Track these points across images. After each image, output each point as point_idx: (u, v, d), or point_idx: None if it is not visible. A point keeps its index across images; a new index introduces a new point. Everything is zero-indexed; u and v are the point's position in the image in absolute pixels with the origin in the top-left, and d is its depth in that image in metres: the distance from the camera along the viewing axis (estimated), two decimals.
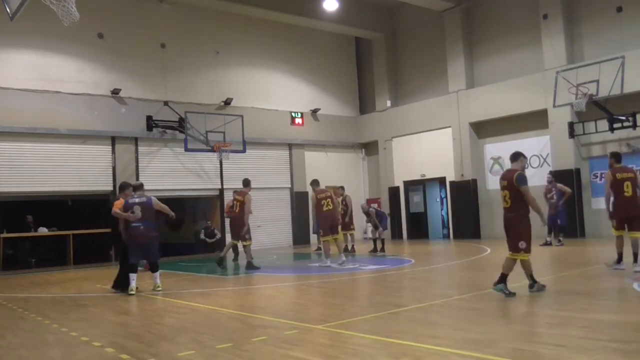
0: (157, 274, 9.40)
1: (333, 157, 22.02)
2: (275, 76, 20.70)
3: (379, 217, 14.98)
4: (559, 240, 14.18)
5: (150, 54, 17.78)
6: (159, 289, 9.27)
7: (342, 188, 15.86)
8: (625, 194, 8.60)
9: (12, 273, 14.21)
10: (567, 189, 14.54)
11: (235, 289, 9.69)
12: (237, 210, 12.36)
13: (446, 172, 19.83)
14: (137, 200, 9.23)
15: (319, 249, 16.74)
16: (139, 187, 9.60)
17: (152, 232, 9.24)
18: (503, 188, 7.20)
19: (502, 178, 7.30)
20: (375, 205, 18.30)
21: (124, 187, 9.79)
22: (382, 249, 14.81)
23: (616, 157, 9.03)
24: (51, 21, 10.26)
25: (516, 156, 7.45)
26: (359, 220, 17.29)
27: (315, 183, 12.57)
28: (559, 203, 14.30)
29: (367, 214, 15.07)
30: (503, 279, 7.05)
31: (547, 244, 14.21)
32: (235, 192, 12.96)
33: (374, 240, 15.08)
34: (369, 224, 15.50)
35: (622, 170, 8.87)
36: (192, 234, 19.95)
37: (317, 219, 12.19)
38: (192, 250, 18.27)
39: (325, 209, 12.01)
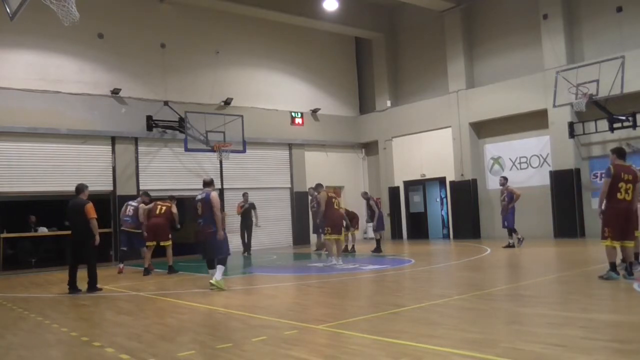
0: (213, 271, 9.20)
1: (333, 157, 22.02)
2: (275, 76, 20.68)
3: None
4: (519, 240, 14.34)
5: (150, 54, 17.77)
6: (213, 287, 9.02)
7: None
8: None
9: (12, 273, 14.20)
10: (517, 192, 14.58)
11: (235, 289, 9.68)
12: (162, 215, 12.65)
13: (446, 172, 19.82)
14: (198, 196, 9.25)
15: (319, 248, 16.79)
16: (208, 183, 9.48)
17: (208, 228, 9.10)
18: (627, 181, 7.73)
19: (627, 172, 7.82)
20: None
21: (82, 188, 9.77)
22: (379, 249, 14.89)
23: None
24: (51, 21, 10.28)
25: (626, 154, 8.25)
26: (360, 220, 17.31)
27: (320, 186, 13.11)
28: (508, 205, 14.44)
29: (367, 200, 15.51)
30: (630, 267, 7.80)
31: (509, 246, 14.32)
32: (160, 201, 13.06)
33: (377, 241, 15.16)
34: (369, 224, 15.58)
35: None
36: (192, 234, 19.89)
37: (326, 218, 12.18)
38: (192, 250, 18.22)
39: (335, 207, 12.27)
